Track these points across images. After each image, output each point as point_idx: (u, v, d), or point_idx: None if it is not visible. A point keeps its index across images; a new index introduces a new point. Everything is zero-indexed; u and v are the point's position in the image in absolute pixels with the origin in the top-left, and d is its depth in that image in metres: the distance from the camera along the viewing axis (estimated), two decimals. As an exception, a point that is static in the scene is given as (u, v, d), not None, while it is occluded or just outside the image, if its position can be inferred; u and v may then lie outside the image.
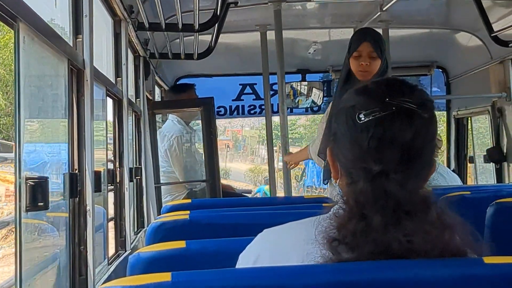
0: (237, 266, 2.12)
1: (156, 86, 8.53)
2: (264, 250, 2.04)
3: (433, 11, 7.27)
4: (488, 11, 6.55)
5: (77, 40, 3.61)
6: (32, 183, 2.55)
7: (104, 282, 4.04)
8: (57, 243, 3.53)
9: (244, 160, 54.45)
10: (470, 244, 1.80)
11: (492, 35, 6.75)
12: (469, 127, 9.40)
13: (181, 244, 2.60)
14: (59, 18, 3.37)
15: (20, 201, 2.53)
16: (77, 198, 3.53)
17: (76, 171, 3.55)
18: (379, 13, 6.57)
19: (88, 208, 3.57)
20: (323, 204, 4.14)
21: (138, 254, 2.54)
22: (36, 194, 2.54)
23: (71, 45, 3.53)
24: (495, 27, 6.71)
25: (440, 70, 9.07)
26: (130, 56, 5.82)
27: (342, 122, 1.95)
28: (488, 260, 1.73)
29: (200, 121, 8.08)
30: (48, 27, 2.84)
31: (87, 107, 3.59)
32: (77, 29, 3.65)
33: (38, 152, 3.33)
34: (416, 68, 8.98)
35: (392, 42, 7.49)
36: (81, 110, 3.56)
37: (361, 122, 1.86)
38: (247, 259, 2.08)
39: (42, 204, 2.57)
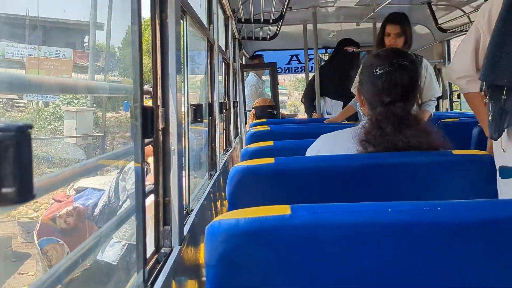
0: (306, 155, 2.13)
1: (243, 56, 8.52)
2: (322, 146, 2.05)
3: (402, 11, 7.08)
4: (435, 11, 6.42)
5: (210, 27, 3.56)
6: (194, 107, 2.58)
7: (223, 165, 4.11)
8: (202, 143, 3.59)
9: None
10: (442, 144, 1.80)
11: (437, 26, 6.62)
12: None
13: (270, 143, 2.58)
14: (200, 13, 3.33)
15: (188, 116, 2.57)
16: (211, 117, 3.56)
17: (210, 102, 3.56)
18: (371, 13, 6.42)
19: (216, 122, 3.60)
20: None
21: (247, 149, 2.52)
22: (196, 114, 2.57)
23: (208, 29, 3.52)
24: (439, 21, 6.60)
25: (405, 46, 8.81)
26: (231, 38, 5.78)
27: (365, 74, 1.94)
28: (455, 152, 1.73)
29: (267, 76, 8.10)
30: (199, 19, 2.82)
31: (215, 67, 3.57)
32: (210, 20, 3.61)
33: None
34: (391, 45, 8.72)
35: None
36: (213, 69, 3.54)
37: (377, 73, 1.86)
38: (312, 152, 2.09)
39: (200, 119, 2.60)
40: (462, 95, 7.96)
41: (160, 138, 1.79)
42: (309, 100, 6.06)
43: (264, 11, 5.42)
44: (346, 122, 4.03)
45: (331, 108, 5.85)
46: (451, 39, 7.73)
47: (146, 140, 1.59)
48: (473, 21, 6.14)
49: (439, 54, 8.02)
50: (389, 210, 1.04)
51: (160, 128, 1.78)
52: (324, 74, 5.85)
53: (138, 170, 1.47)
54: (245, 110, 7.40)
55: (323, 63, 8.31)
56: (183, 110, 2.40)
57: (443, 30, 6.77)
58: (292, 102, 31.10)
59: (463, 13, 6.22)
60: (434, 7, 6.35)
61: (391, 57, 1.88)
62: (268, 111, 6.03)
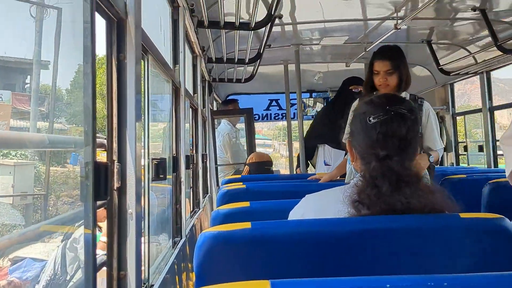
0: (289, 218, 2.12)
1: (214, 101, 8.60)
2: (308, 208, 2.05)
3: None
4: (436, 51, 6.58)
5: (175, 68, 3.59)
6: (156, 162, 2.57)
7: (190, 230, 4.07)
8: (165, 203, 3.55)
9: (262, 150, 54.30)
10: (448, 205, 1.82)
11: (439, 67, 6.78)
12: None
13: (246, 204, 2.59)
14: (164, 52, 3.37)
15: (149, 173, 2.57)
16: (176, 173, 3.53)
17: (174, 155, 3.54)
18: (363, 52, 6.55)
19: (182, 180, 3.58)
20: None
21: (218, 211, 2.54)
22: (158, 169, 2.56)
23: (173, 70, 3.53)
24: (441, 62, 6.76)
25: (402, 91, 9.01)
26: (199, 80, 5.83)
27: (357, 123, 1.97)
28: (463, 215, 1.75)
29: (242, 124, 8.18)
30: (162, 58, 2.86)
31: (181, 114, 3.59)
32: (175, 60, 3.64)
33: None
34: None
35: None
36: (178, 116, 3.55)
37: (371, 123, 1.89)
38: (296, 215, 2.09)
39: (162, 176, 2.59)
40: (469, 147, 8.11)
41: (115, 199, 1.78)
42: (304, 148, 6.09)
43: (239, 49, 5.50)
44: (337, 179, 4.04)
45: (330, 158, 5.85)
46: (455, 82, 7.92)
47: (99, 202, 1.58)
48: (479, 62, 6.25)
49: (442, 100, 8.21)
50: (387, 286, 1.04)
51: (115, 188, 1.77)
52: (324, 118, 5.86)
53: (89, 238, 1.45)
54: (216, 164, 7.41)
55: (322, 105, 8.39)
56: (142, 164, 2.40)
57: (446, 72, 6.94)
58: (272, 154, 31.29)
59: (468, 53, 6.39)
60: (434, 46, 6.52)
61: (387, 104, 1.92)
62: (265, 167, 6.01)
